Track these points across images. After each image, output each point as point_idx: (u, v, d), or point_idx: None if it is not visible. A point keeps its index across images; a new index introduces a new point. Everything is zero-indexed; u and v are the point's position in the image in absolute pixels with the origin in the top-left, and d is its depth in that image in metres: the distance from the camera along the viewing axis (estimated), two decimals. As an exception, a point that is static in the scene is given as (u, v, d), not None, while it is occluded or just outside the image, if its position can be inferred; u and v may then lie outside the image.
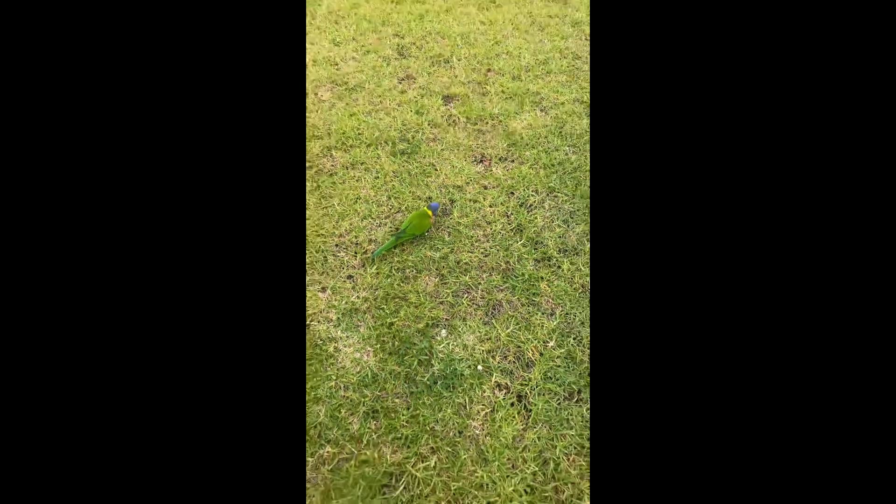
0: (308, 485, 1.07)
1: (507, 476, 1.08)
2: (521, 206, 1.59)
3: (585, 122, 1.87)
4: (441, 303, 1.35)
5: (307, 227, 1.50)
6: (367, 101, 1.93)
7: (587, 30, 2.34)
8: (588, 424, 1.15)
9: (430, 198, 1.58)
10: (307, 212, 1.54)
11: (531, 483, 1.08)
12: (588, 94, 1.98)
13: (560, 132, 1.84)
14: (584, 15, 2.44)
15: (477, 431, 1.15)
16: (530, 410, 1.18)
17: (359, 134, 1.79)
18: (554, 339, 1.29)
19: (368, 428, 1.14)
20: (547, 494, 1.07)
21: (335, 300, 1.34)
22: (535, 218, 1.55)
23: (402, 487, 1.07)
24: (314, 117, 1.85)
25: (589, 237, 1.50)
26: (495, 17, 2.42)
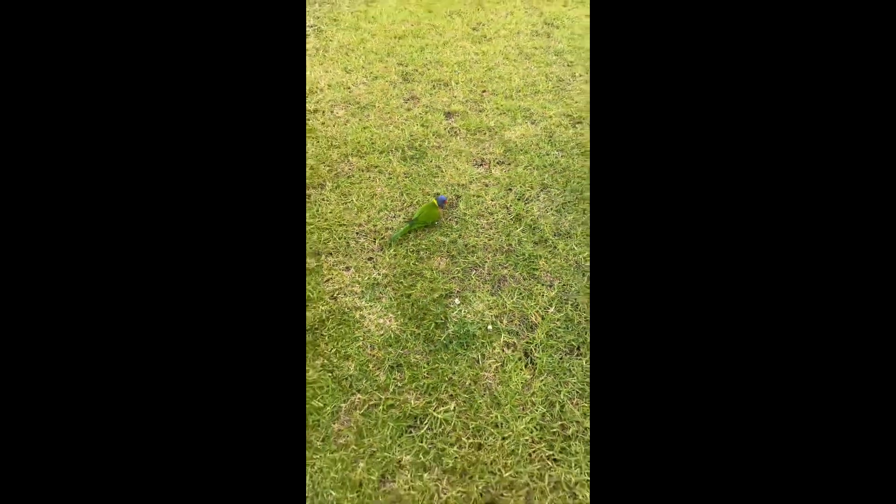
0: (342, 427, 1.20)
1: (519, 416, 1.22)
2: (518, 199, 1.79)
3: (571, 131, 2.11)
4: (452, 278, 1.52)
5: (330, 218, 1.68)
6: (377, 117, 2.16)
7: (569, 58, 2.63)
8: (588, 374, 1.30)
9: (437, 193, 1.78)
10: (330, 206, 1.72)
11: (540, 422, 1.22)
12: (572, 109, 2.23)
13: (549, 140, 2.07)
14: (565, 46, 2.74)
15: (490, 381, 1.29)
16: (535, 363, 1.33)
17: (372, 143, 2.00)
18: (553, 305, 1.46)
19: (394, 378, 1.28)
20: (555, 431, 1.20)
21: (358, 277, 1.51)
22: (532, 209, 1.75)
23: (425, 427, 1.20)
24: (332, 131, 2.07)
25: (580, 223, 1.70)
26: (487, 49, 2.71)
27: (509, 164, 1.95)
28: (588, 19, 2.98)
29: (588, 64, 2.55)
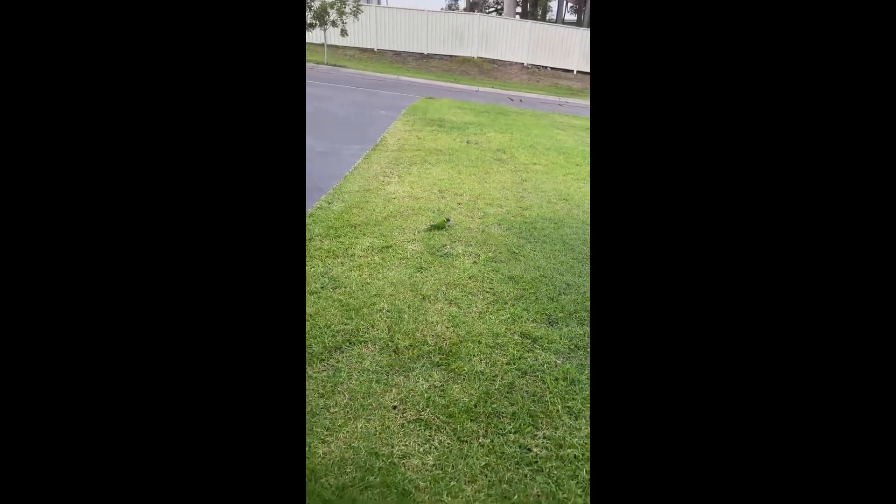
0: (399, 269, 3.03)
1: (467, 271, 3.01)
2: (485, 226, 3.78)
3: (518, 210, 4.18)
4: (447, 241, 3.44)
5: (395, 226, 3.71)
6: (423, 201, 4.34)
7: (527, 185, 4.85)
8: (499, 273, 3.10)
9: (448, 218, 3.80)
10: (396, 223, 3.77)
11: (475, 275, 3.00)
12: (523, 205, 4.34)
13: (507, 213, 4.13)
14: (530, 185, 5.00)
15: (457, 265, 3.11)
16: (478, 263, 3.15)
17: (420, 207, 4.13)
18: (491, 252, 3.32)
19: (416, 258, 3.13)
20: (482, 277, 2.97)
21: (406, 238, 3.46)
22: (490, 228, 3.72)
23: (429, 270, 3.01)
24: (401, 204, 4.24)
25: (513, 232, 3.63)
26: (486, 185, 5.01)
27: (483, 218, 3.99)
28: (542, 169, 5.33)
29: (536, 183, 4.77)
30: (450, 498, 1.53)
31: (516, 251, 3.40)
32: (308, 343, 2.21)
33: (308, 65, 14.68)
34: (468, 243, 3.48)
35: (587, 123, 10.03)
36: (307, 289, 2.68)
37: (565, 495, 1.58)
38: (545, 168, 5.86)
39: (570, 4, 29.65)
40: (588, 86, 16.63)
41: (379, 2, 28.13)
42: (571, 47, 17.91)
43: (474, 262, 3.18)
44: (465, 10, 28.55)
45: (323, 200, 4.11)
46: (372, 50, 18.38)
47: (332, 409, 1.84)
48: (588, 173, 5.71)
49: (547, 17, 24.97)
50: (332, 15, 15.07)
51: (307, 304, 2.53)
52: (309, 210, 3.86)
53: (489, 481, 1.61)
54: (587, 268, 3.21)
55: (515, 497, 1.56)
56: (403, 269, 3.01)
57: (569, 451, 1.75)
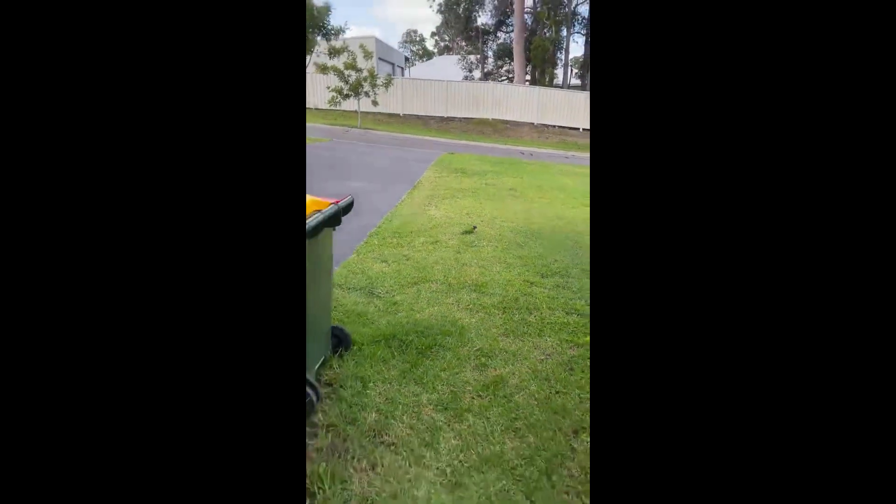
0: (438, 250, 4.62)
1: (490, 252, 4.58)
2: (501, 233, 5.37)
3: (525, 226, 5.77)
4: (475, 239, 5.03)
5: (440, 230, 5.34)
6: (456, 219, 5.98)
7: (533, 212, 6.47)
8: (512, 253, 4.66)
9: (474, 226, 5.40)
10: (440, 231, 5.39)
11: (495, 254, 4.56)
12: (528, 225, 5.95)
13: (517, 225, 5.74)
14: (534, 206, 6.63)
15: (482, 251, 4.69)
16: (496, 250, 4.72)
17: (454, 222, 5.76)
18: (504, 246, 4.90)
19: (452, 244, 4.72)
20: (499, 257, 4.53)
21: (445, 235, 5.06)
22: (505, 234, 5.32)
23: (466, 251, 4.58)
24: (440, 222, 5.88)
25: (519, 234, 5.22)
26: (501, 211, 6.65)
27: (499, 229, 5.60)
28: (546, 201, 6.98)
29: (540, 209, 6.40)
30: (484, 330, 3.04)
31: (522, 244, 4.96)
32: (399, 280, 3.78)
33: (343, 128, 17.02)
34: (489, 240, 5.07)
35: (588, 171, 11.80)
36: (386, 260, 4.27)
37: (546, 333, 3.07)
38: (548, 201, 7.51)
39: (574, 71, 32.71)
40: (590, 141, 18.56)
41: (403, 74, 31.44)
42: (577, 108, 20.17)
43: (494, 249, 4.76)
44: (480, 79, 31.70)
45: (384, 219, 5.78)
46: (398, 115, 20.91)
47: (418, 303, 3.39)
48: (581, 204, 7.36)
49: (553, 83, 27.70)
50: (366, 87, 17.60)
51: (390, 267, 4.11)
52: (377, 223, 5.52)
53: (504, 327, 3.11)
54: (570, 253, 4.75)
55: (517, 331, 3.06)
56: (448, 252, 4.59)
57: (549, 321, 3.24)
